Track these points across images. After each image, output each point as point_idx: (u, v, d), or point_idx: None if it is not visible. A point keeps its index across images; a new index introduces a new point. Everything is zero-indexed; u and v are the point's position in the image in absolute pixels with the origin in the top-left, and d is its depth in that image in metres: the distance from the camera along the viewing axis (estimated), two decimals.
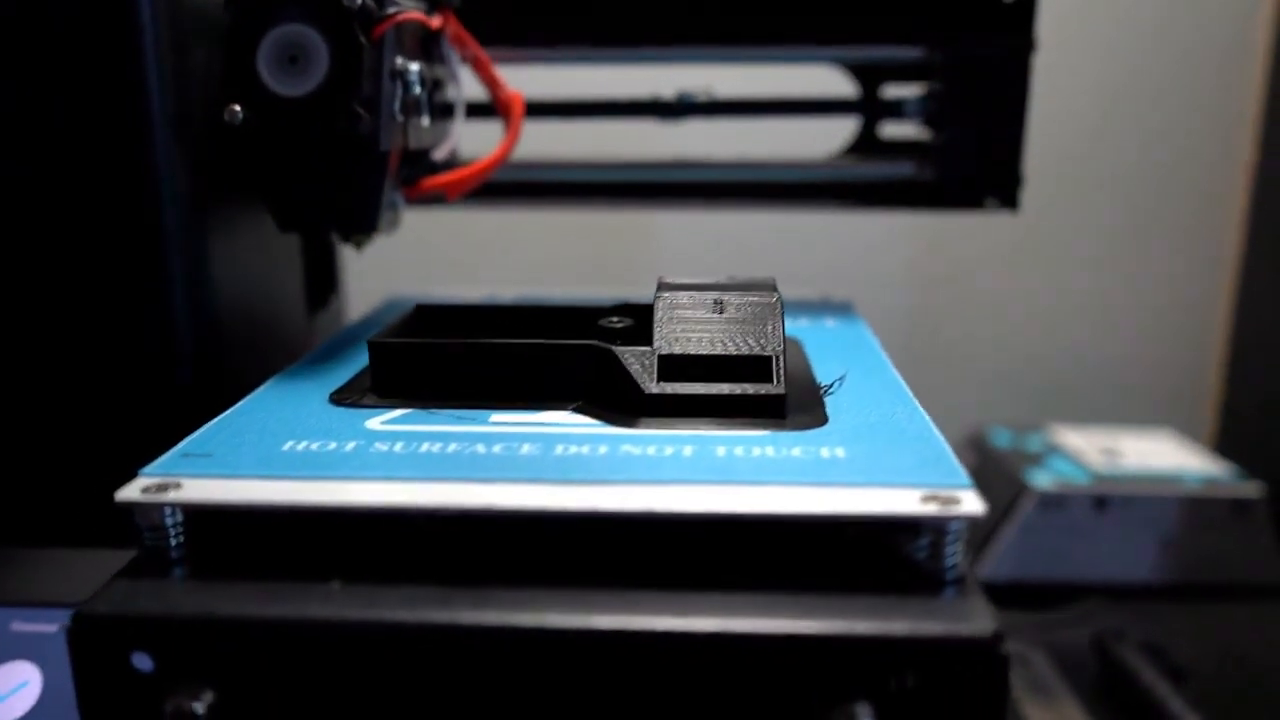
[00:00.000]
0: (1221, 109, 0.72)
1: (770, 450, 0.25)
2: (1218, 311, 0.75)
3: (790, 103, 0.46)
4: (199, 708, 0.21)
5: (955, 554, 0.22)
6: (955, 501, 0.22)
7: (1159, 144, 0.73)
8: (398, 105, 0.33)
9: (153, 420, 0.34)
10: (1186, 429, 0.72)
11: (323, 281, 0.47)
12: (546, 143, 0.45)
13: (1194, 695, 0.44)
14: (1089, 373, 0.77)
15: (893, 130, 0.46)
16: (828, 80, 0.47)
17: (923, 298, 0.76)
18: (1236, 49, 0.71)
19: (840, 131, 0.48)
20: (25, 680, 0.33)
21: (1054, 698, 0.47)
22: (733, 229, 0.73)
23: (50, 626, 0.33)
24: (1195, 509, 0.56)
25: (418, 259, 0.66)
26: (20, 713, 0.32)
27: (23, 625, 0.33)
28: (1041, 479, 0.57)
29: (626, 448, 0.25)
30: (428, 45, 0.38)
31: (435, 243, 0.70)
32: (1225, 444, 0.73)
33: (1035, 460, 0.60)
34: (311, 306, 0.45)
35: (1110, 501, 0.56)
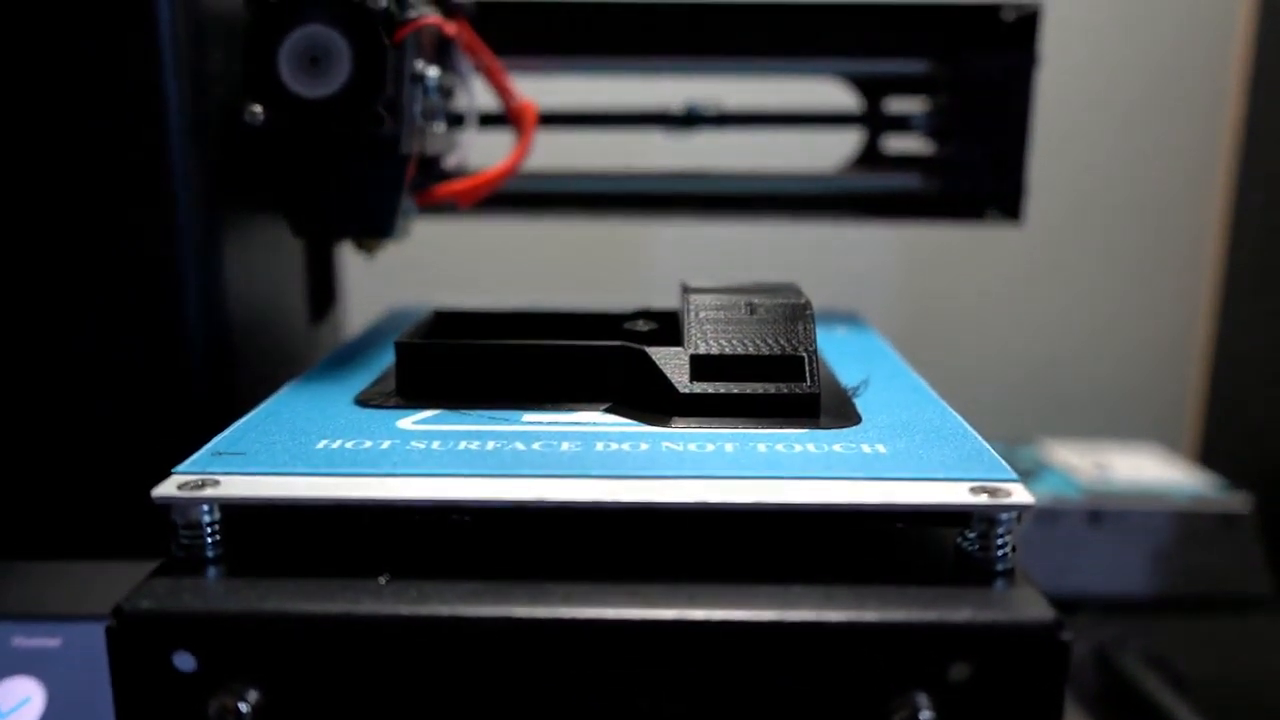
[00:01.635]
0: (1200, 129, 0.74)
1: (811, 447, 0.25)
2: (1198, 327, 0.77)
3: (796, 115, 0.46)
4: (244, 708, 0.20)
5: (1005, 546, 0.23)
6: (1005, 493, 0.23)
7: (1141, 162, 0.75)
8: (418, 109, 0.33)
9: (160, 432, 0.33)
10: (1168, 442, 0.73)
11: (324, 292, 0.47)
12: (550, 155, 0.45)
13: (1193, 706, 0.45)
14: (1072, 387, 0.78)
15: (895, 144, 0.47)
16: (831, 95, 0.48)
17: (911, 316, 0.77)
18: (1211, 74, 0.73)
19: (842, 147, 0.48)
20: (27, 696, 0.32)
21: None
22: (723, 245, 0.73)
23: (53, 641, 0.32)
24: (1186, 522, 0.57)
25: (402, 275, 0.65)
26: None
27: (24, 640, 0.32)
28: (1035, 493, 0.57)
29: (667, 445, 0.25)
30: (441, 52, 0.38)
31: (420, 259, 0.70)
32: (1208, 456, 0.74)
33: (1027, 475, 0.61)
34: (313, 317, 0.45)
35: (1103, 515, 0.57)
